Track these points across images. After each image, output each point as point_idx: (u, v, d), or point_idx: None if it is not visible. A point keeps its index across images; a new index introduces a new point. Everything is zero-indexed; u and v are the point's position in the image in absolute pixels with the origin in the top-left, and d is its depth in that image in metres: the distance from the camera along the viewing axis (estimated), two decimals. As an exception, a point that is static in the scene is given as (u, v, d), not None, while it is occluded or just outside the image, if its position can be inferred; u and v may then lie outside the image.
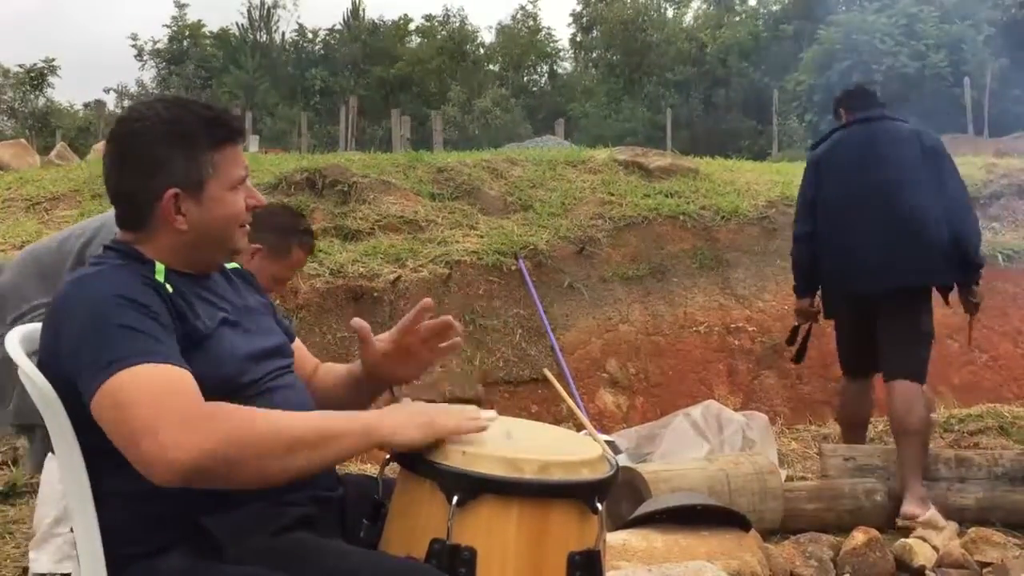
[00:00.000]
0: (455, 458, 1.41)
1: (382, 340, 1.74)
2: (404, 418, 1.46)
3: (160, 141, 1.54)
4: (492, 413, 1.54)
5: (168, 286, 1.52)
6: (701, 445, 4.40)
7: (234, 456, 1.34)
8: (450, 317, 1.75)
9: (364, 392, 1.82)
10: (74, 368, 1.41)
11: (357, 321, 1.73)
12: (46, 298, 2.56)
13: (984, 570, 3.33)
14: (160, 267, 1.54)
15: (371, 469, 3.59)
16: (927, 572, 3.33)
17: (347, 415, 1.47)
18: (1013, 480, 3.89)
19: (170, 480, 1.32)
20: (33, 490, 3.83)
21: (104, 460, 1.46)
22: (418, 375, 1.78)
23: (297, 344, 1.85)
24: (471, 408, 1.53)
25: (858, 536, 3.41)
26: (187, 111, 1.58)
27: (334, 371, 1.88)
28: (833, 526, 3.67)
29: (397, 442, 1.43)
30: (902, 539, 3.51)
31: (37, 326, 1.55)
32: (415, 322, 1.72)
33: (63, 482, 1.49)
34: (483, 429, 1.48)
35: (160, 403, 1.34)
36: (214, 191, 1.57)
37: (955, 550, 3.40)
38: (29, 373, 1.47)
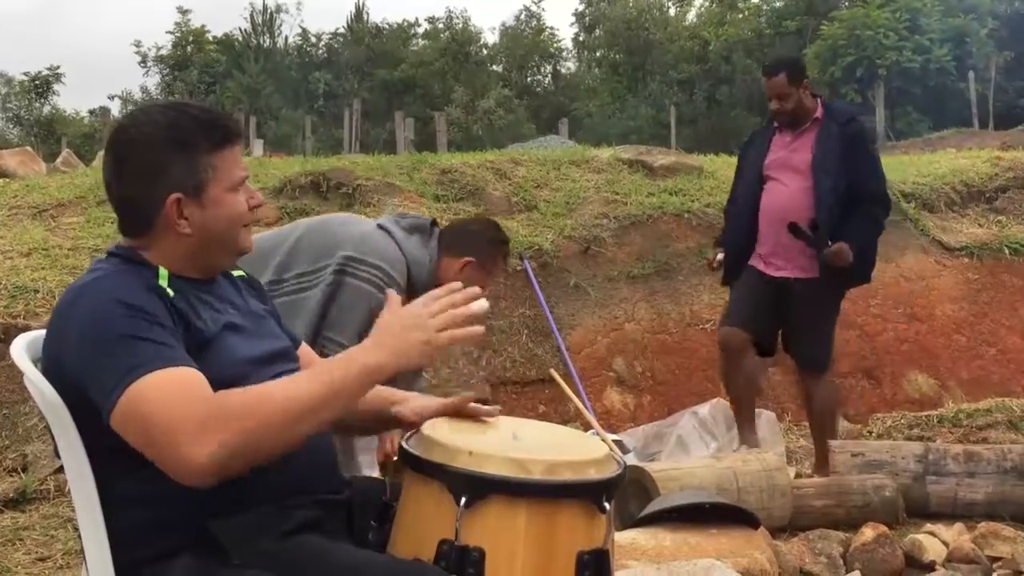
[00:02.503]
0: (462, 459, 1.41)
1: (418, 412, 1.69)
2: (397, 340, 1.44)
3: (159, 147, 1.54)
4: (482, 303, 1.49)
5: (170, 290, 1.52)
6: (709, 443, 4.40)
7: (254, 442, 1.35)
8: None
9: (371, 426, 1.83)
10: (82, 378, 1.41)
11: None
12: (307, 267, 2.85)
13: (994, 564, 3.32)
14: (163, 272, 1.54)
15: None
16: (937, 567, 3.32)
17: (343, 362, 1.45)
18: (1022, 474, 3.87)
19: (202, 483, 1.35)
20: (42, 497, 3.84)
21: (111, 465, 1.47)
22: (431, 362, 1.76)
23: (307, 350, 1.85)
24: (458, 296, 1.48)
25: (867, 532, 3.40)
26: (184, 115, 1.57)
27: None
28: (842, 522, 3.65)
29: (403, 365, 1.43)
30: (912, 535, 3.50)
31: (44, 333, 1.55)
32: (457, 407, 1.69)
33: (70, 488, 1.50)
34: (481, 310, 1.46)
35: (172, 412, 1.35)
36: (215, 194, 1.56)
37: (965, 545, 3.38)
38: (33, 379, 1.48)
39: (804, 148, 4.05)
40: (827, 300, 4.13)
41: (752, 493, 3.56)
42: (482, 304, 1.49)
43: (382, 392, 1.73)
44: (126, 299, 1.45)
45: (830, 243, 3.89)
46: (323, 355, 2.67)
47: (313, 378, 1.43)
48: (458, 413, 1.68)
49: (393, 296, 1.53)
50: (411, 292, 2.78)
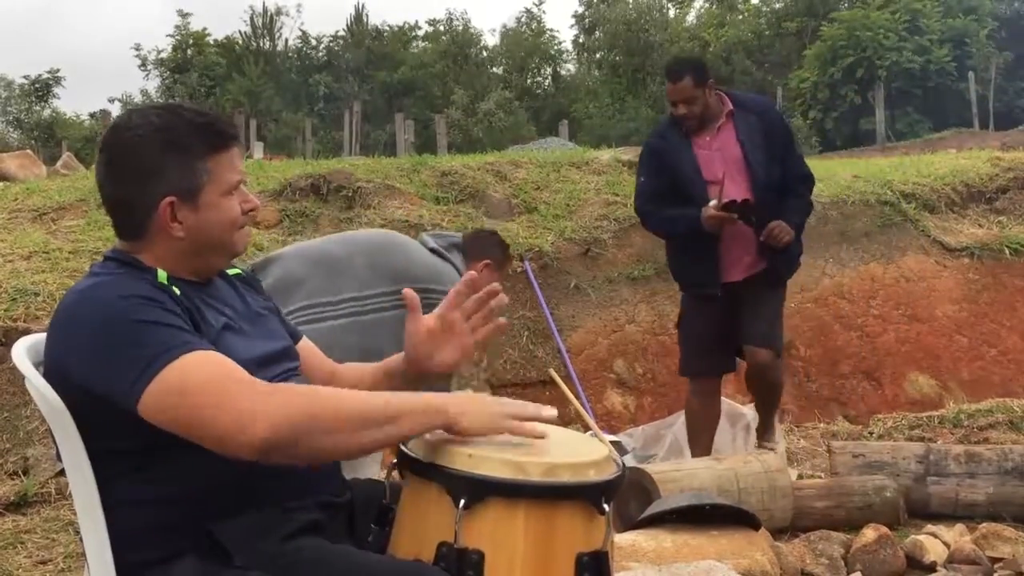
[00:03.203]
0: (461, 461, 1.41)
1: (427, 317, 1.71)
2: (470, 405, 1.45)
3: (153, 149, 1.53)
4: (552, 412, 1.50)
5: (175, 289, 1.52)
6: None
7: (307, 428, 1.36)
8: (497, 284, 1.73)
9: (398, 387, 1.76)
10: (95, 375, 1.41)
11: (408, 292, 1.71)
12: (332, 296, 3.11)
13: (995, 565, 3.31)
14: (162, 273, 1.54)
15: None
16: (938, 568, 3.32)
17: (411, 394, 1.47)
18: None
19: (247, 453, 1.35)
20: (44, 500, 3.85)
21: (112, 468, 1.47)
22: (458, 362, 1.73)
23: (311, 346, 1.85)
24: (531, 406, 1.50)
25: (868, 533, 3.40)
26: (179, 118, 1.57)
27: (359, 370, 1.85)
28: (843, 523, 3.65)
29: (460, 428, 1.43)
30: (913, 535, 3.50)
31: (43, 336, 1.55)
32: (462, 296, 1.71)
33: (72, 491, 1.50)
34: (542, 436, 1.47)
35: (226, 381, 1.37)
36: (210, 197, 1.56)
37: (966, 546, 3.38)
38: (35, 382, 1.48)
39: (729, 144, 3.94)
40: (775, 287, 4.07)
41: (753, 494, 3.55)
42: (552, 413, 1.50)
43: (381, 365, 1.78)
44: (138, 293, 1.45)
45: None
46: None
47: (376, 394, 1.47)
48: (463, 296, 1.70)
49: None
50: None
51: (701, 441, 4.17)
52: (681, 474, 3.58)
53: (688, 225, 3.90)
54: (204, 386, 1.36)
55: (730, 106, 3.98)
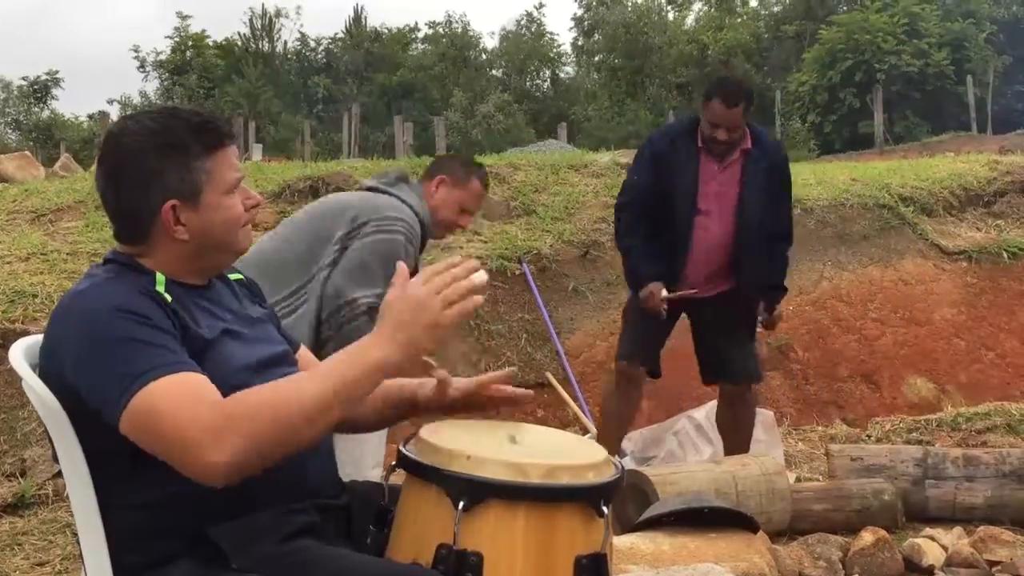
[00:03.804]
0: (460, 463, 1.41)
1: (457, 388, 1.70)
2: (403, 330, 1.42)
3: (151, 153, 1.53)
4: (482, 276, 1.46)
5: (167, 296, 1.51)
6: (706, 447, 4.40)
7: (268, 444, 1.36)
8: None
9: (390, 416, 1.78)
10: (83, 383, 1.41)
11: (441, 373, 1.71)
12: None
13: (993, 569, 3.32)
14: (160, 277, 1.54)
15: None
16: (936, 571, 3.32)
17: (348, 353, 1.44)
18: (1021, 478, 3.87)
19: (220, 482, 1.35)
20: (41, 501, 3.84)
21: (110, 470, 1.47)
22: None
23: (305, 353, 1.85)
24: (456, 269, 1.45)
25: (866, 536, 3.40)
26: (174, 120, 1.56)
27: None
28: (841, 526, 3.66)
29: (412, 353, 1.42)
30: (911, 539, 3.50)
31: (40, 338, 1.55)
32: (496, 383, 1.70)
33: (69, 492, 1.50)
34: (477, 304, 1.45)
35: (184, 419, 1.35)
36: (211, 198, 1.56)
37: (964, 549, 3.38)
38: (32, 384, 1.48)
39: (732, 182, 3.76)
40: (748, 311, 3.92)
41: (751, 497, 3.55)
42: (482, 276, 1.46)
43: (393, 381, 1.72)
44: (125, 305, 1.44)
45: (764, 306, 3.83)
46: (360, 314, 2.83)
47: (322, 377, 1.42)
48: (491, 394, 1.69)
49: (402, 269, 1.50)
50: (423, 236, 3.09)
51: (613, 434, 4.04)
52: (679, 476, 3.58)
53: (634, 277, 3.82)
54: (168, 419, 1.35)
55: (748, 143, 3.77)
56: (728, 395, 4.02)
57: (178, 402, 1.36)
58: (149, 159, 1.53)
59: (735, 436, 4.02)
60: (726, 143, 3.70)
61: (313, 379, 1.43)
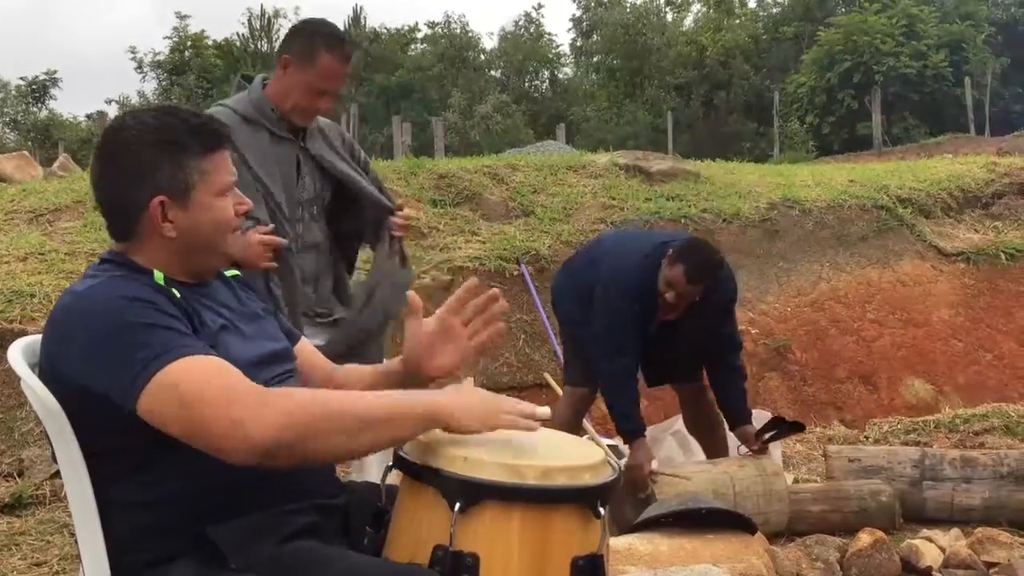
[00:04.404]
0: (457, 464, 1.41)
1: (428, 320, 1.71)
2: (466, 402, 1.45)
3: (146, 149, 1.54)
4: (546, 411, 1.51)
5: (174, 291, 1.52)
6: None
7: (305, 432, 1.35)
8: (496, 290, 1.74)
9: (395, 388, 1.76)
10: (92, 376, 1.40)
11: (413, 295, 1.71)
12: None
13: (991, 570, 3.32)
14: (159, 274, 1.54)
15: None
16: (934, 573, 3.33)
17: (408, 394, 1.47)
18: (1019, 479, 3.88)
19: (247, 458, 1.34)
20: (38, 502, 3.84)
21: (108, 470, 1.47)
22: (456, 366, 1.73)
23: (308, 347, 1.85)
24: (526, 404, 1.50)
25: (864, 537, 3.40)
26: (174, 118, 1.58)
27: (358, 372, 1.84)
28: (839, 527, 3.66)
29: (458, 426, 1.43)
30: (908, 540, 3.50)
31: (38, 338, 1.55)
32: (462, 301, 1.71)
33: (67, 492, 1.50)
34: (533, 428, 1.47)
35: (225, 385, 1.36)
36: (201, 198, 1.56)
37: (962, 550, 3.39)
38: (31, 384, 1.48)
39: (666, 335, 3.76)
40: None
41: (749, 498, 3.56)
42: (545, 411, 1.50)
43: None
44: (138, 295, 1.45)
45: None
46: None
47: (374, 395, 1.46)
48: (463, 301, 1.70)
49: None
50: (260, 121, 2.81)
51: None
52: (677, 478, 3.58)
53: (626, 428, 3.75)
54: (202, 390, 1.35)
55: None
56: (686, 397, 4.05)
57: (212, 376, 1.37)
58: (144, 153, 1.54)
59: (711, 436, 4.03)
60: (675, 309, 3.63)
61: (370, 395, 1.46)
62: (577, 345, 4.03)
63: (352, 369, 1.86)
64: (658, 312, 3.68)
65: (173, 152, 1.54)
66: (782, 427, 3.87)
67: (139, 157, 1.54)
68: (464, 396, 1.47)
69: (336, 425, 1.37)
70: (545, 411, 1.50)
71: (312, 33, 2.80)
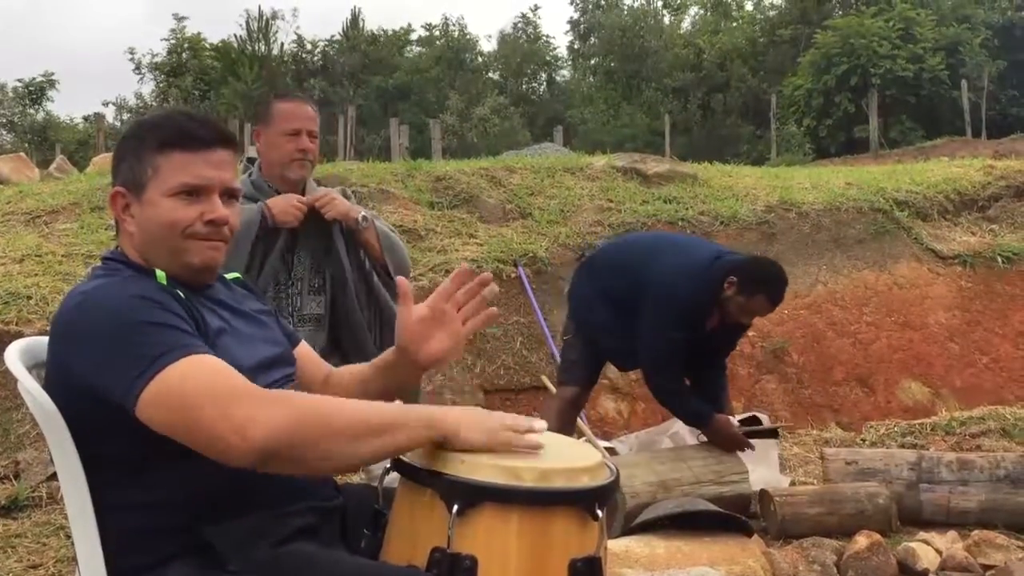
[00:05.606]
0: (455, 466, 1.41)
1: (419, 307, 1.69)
2: (469, 418, 1.44)
3: (125, 143, 1.60)
4: (543, 424, 1.51)
5: (178, 291, 1.52)
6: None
7: (305, 436, 1.35)
8: (488, 274, 1.73)
9: (390, 382, 1.75)
10: (97, 373, 1.40)
11: (401, 280, 1.70)
12: None
13: (987, 573, 3.32)
14: (161, 274, 1.54)
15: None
16: (930, 575, 3.33)
17: (411, 406, 1.47)
18: (1015, 482, 3.88)
19: (245, 460, 1.33)
20: (35, 504, 3.83)
21: (105, 472, 1.46)
22: (449, 352, 1.70)
23: (307, 350, 1.85)
24: (524, 419, 1.50)
25: (861, 540, 3.40)
26: (172, 118, 1.60)
27: (352, 370, 1.84)
28: (836, 530, 3.66)
29: (459, 440, 1.42)
30: (905, 542, 3.50)
31: (37, 339, 1.55)
32: (453, 287, 1.70)
33: (64, 494, 1.49)
34: (538, 448, 1.47)
35: (227, 385, 1.36)
36: (151, 195, 1.55)
37: (958, 553, 3.39)
38: (28, 386, 1.48)
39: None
40: None
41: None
42: (542, 424, 1.51)
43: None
44: (144, 294, 1.46)
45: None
46: None
47: (376, 404, 1.46)
48: (454, 287, 1.69)
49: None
50: (259, 198, 2.96)
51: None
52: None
53: (700, 421, 3.92)
54: (203, 390, 1.35)
55: None
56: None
57: (213, 377, 1.36)
58: (122, 147, 1.60)
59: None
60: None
61: (365, 403, 1.47)
62: (600, 351, 4.10)
63: (347, 369, 1.86)
64: (707, 322, 3.82)
65: (136, 146, 1.57)
66: (759, 427, 4.01)
67: (118, 149, 1.61)
68: (468, 411, 1.47)
69: (337, 431, 1.37)
70: (543, 424, 1.51)
71: (268, 101, 3.13)
